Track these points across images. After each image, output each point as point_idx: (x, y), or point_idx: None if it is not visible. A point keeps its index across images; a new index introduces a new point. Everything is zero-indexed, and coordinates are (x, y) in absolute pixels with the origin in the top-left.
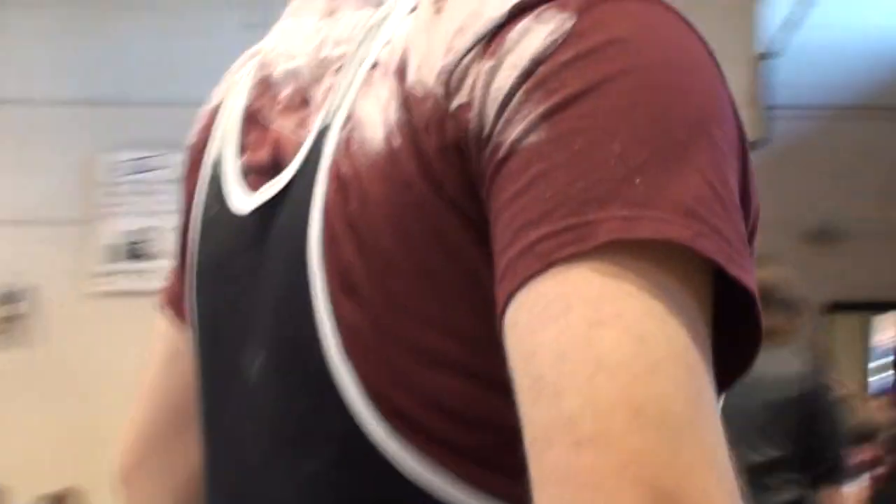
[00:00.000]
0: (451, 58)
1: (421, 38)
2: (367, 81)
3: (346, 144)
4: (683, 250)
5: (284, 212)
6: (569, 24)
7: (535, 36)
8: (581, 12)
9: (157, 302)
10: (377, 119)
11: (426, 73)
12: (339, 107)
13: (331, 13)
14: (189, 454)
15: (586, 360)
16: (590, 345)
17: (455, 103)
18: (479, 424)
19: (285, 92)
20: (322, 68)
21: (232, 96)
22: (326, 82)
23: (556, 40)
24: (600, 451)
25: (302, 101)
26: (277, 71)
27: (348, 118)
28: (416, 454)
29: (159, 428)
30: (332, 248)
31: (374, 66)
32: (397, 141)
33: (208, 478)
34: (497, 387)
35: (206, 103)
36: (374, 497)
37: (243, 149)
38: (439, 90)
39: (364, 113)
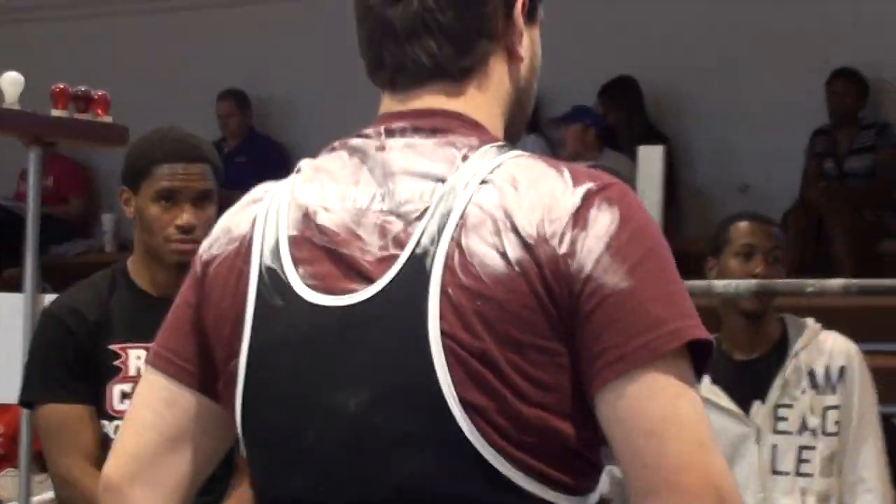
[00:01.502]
0: (556, 226)
1: (516, 205)
2: (466, 227)
3: (463, 264)
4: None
5: (388, 305)
6: (617, 215)
7: (602, 220)
8: (618, 206)
9: (150, 362)
10: (492, 252)
11: (535, 229)
12: (437, 240)
13: (355, 183)
14: (176, 470)
15: (675, 419)
16: (676, 409)
17: (562, 251)
18: (552, 439)
19: (332, 228)
20: (368, 216)
21: (264, 224)
22: (394, 225)
23: (616, 223)
24: (689, 472)
25: (353, 237)
26: (319, 215)
27: (456, 249)
28: (507, 457)
29: (154, 451)
30: (457, 326)
31: (468, 218)
32: (518, 267)
33: (280, 481)
34: (565, 418)
35: (228, 227)
36: (467, 488)
37: (298, 262)
38: (552, 240)
39: (476, 247)
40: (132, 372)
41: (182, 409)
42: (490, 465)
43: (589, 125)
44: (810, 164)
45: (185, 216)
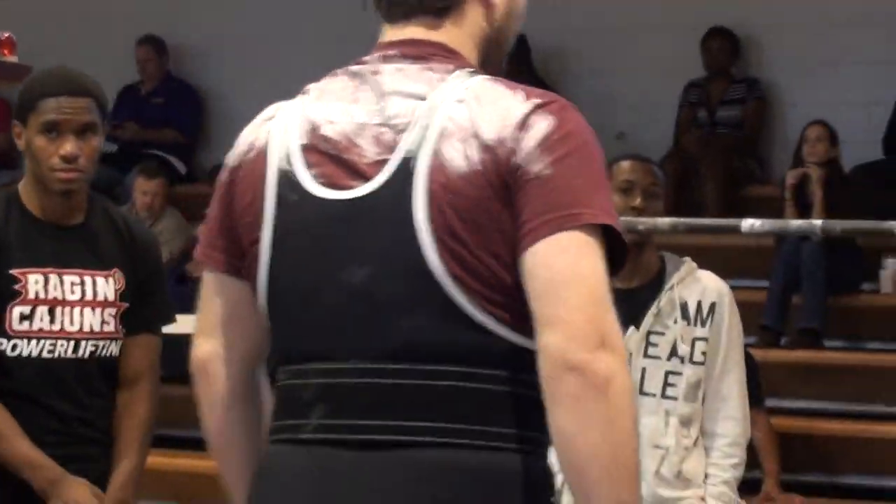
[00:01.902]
0: (508, 131)
1: (480, 118)
2: (442, 137)
3: (439, 166)
4: (606, 228)
5: (382, 199)
6: (553, 121)
7: (541, 124)
8: (556, 115)
9: (200, 262)
10: (460, 156)
11: (494, 135)
12: (420, 147)
13: (355, 101)
14: (234, 346)
15: (576, 274)
16: (577, 267)
17: (510, 149)
18: (506, 291)
19: (335, 138)
20: (365, 128)
21: (277, 136)
22: (386, 135)
23: (550, 127)
24: (580, 314)
25: (353, 145)
26: (324, 127)
27: (434, 154)
28: (479, 308)
29: (216, 332)
30: (437, 214)
31: (443, 129)
32: (479, 166)
33: (297, 341)
34: (508, 270)
35: (249, 140)
36: (454, 335)
37: (308, 165)
38: (505, 143)
39: (448, 152)
40: (31, 295)
41: (226, 294)
42: (469, 317)
43: None
44: (682, 113)
45: (69, 146)
